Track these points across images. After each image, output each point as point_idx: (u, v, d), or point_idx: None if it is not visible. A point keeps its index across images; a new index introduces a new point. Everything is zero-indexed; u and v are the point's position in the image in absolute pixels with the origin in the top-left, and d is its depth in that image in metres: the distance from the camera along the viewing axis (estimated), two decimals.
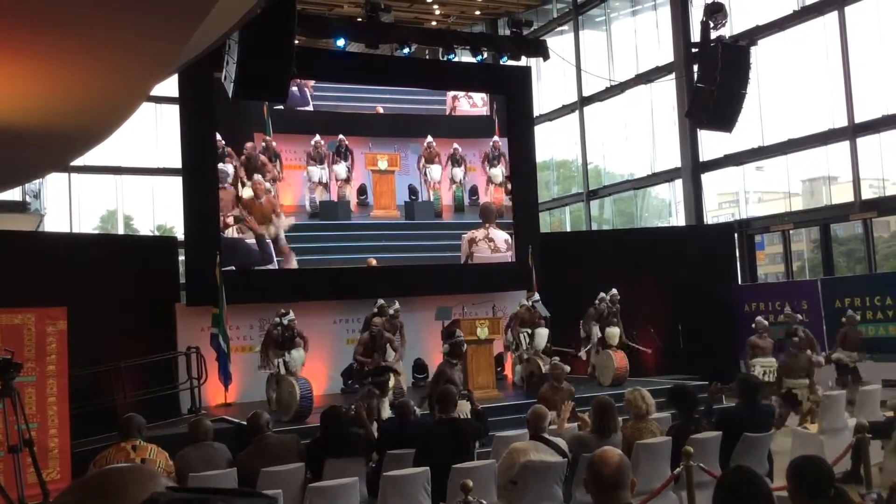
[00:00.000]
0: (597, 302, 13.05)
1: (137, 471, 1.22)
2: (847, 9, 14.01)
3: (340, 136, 13.73)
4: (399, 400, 7.44)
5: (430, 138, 14.40)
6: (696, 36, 14.34)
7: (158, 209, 19.28)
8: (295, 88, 12.68)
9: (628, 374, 12.20)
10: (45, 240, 12.54)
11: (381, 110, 14.32)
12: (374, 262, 13.77)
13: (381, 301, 11.71)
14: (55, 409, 7.91)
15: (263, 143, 13.12)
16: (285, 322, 10.93)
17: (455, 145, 14.60)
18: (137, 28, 4.76)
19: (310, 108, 13.72)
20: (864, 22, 13.95)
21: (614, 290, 12.99)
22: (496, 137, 14.97)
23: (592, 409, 5.89)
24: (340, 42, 13.11)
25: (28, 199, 16.15)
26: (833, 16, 14.26)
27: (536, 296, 12.50)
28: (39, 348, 7.80)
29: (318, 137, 13.56)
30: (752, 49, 13.09)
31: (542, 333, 11.94)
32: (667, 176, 17.86)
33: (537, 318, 12.12)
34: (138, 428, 5.48)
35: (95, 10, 4.38)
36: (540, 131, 18.84)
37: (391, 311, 11.84)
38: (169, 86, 13.02)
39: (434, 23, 19.50)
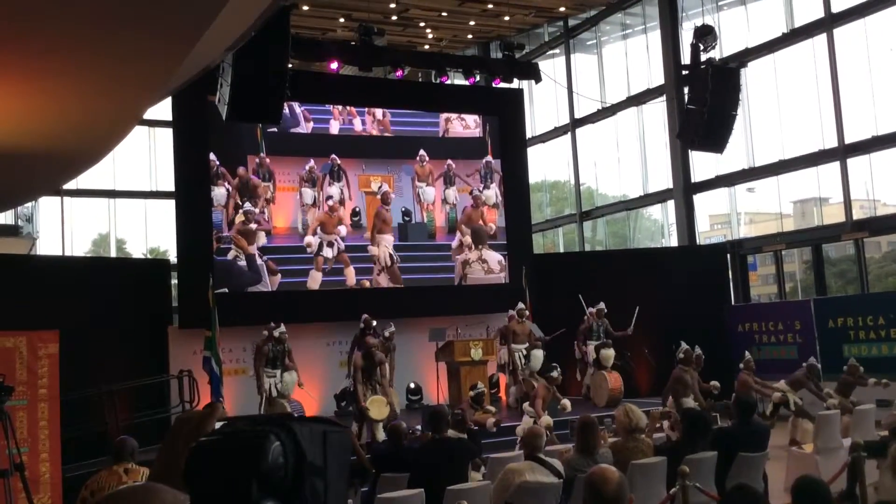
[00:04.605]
0: (586, 318, 13.11)
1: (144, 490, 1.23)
2: (836, 31, 14.16)
3: (333, 157, 13.75)
4: (391, 424, 7.36)
5: (422, 152, 14.42)
6: (686, 58, 14.41)
7: (151, 232, 19.26)
8: (287, 111, 12.73)
9: (623, 394, 12.18)
10: (38, 263, 12.49)
11: (374, 132, 14.37)
12: (367, 284, 13.76)
13: (365, 316, 11.51)
14: (47, 434, 7.82)
15: (257, 161, 13.14)
16: (276, 335, 10.85)
17: (449, 161, 14.66)
18: (131, 50, 4.78)
19: (303, 129, 13.77)
20: (852, 44, 14.08)
21: (601, 304, 13.03)
22: (489, 158, 15.03)
23: (576, 429, 5.82)
24: (334, 65, 13.17)
25: (20, 222, 16.11)
26: (822, 38, 14.40)
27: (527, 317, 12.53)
28: (31, 372, 7.73)
29: (311, 163, 13.59)
30: (742, 71, 13.21)
31: (538, 355, 11.92)
32: (659, 197, 17.93)
33: (533, 339, 12.14)
34: (131, 451, 5.41)
35: (90, 30, 4.39)
36: (532, 153, 18.94)
37: (386, 334, 11.77)
38: (163, 109, 13.06)
39: (427, 46, 19.62)
